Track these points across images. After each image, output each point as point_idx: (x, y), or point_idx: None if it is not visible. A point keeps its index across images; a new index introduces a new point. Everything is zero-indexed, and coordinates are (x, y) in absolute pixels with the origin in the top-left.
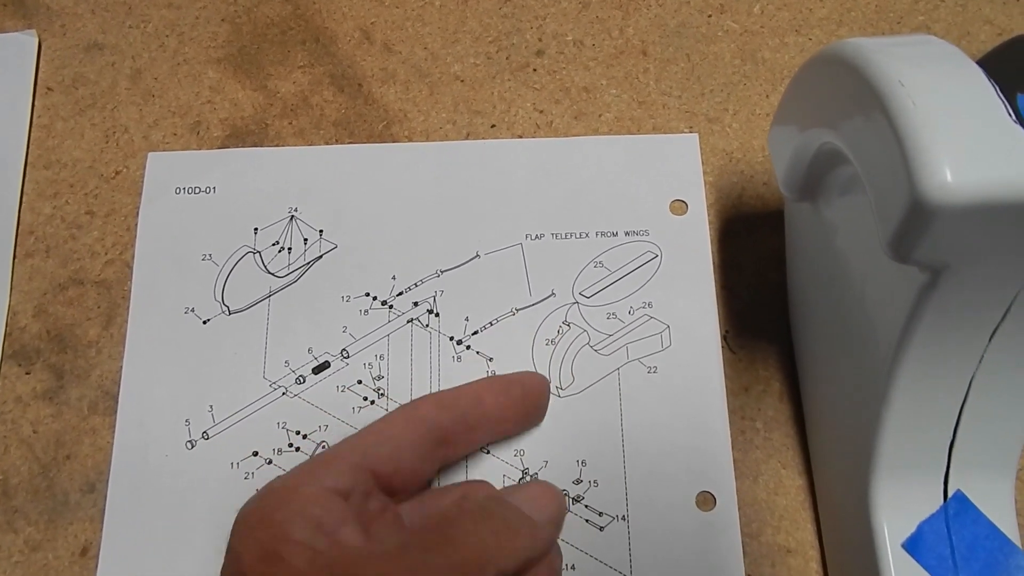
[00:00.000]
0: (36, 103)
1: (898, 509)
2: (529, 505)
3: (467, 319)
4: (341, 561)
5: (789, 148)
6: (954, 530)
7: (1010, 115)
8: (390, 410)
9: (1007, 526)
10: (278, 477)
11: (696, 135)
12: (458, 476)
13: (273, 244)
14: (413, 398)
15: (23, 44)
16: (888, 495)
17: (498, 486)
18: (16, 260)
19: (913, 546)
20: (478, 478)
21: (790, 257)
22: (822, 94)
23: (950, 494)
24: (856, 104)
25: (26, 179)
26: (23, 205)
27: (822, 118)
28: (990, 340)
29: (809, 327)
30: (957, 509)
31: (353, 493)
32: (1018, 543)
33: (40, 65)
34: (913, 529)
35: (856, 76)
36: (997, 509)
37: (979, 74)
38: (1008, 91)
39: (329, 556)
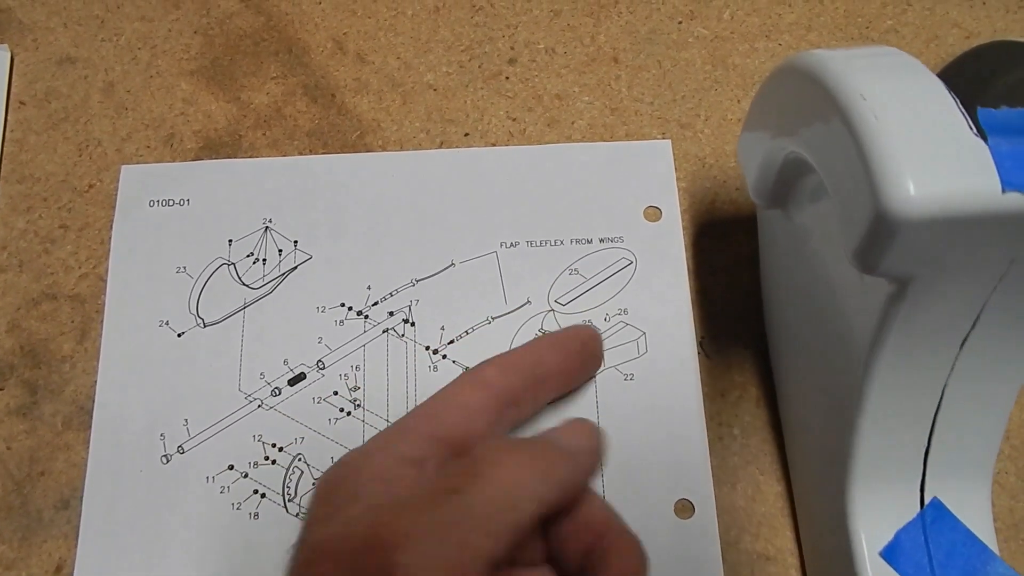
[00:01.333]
0: (8, 117)
1: (875, 517)
2: (565, 439)
3: (443, 328)
4: (384, 511)
5: (758, 156)
6: (931, 537)
7: (971, 128)
8: (366, 421)
9: (984, 532)
10: (355, 448)
11: (669, 141)
12: None
13: (248, 255)
14: (388, 408)
15: None
16: (865, 503)
17: None
18: None
19: (891, 554)
20: None
21: (763, 263)
22: (787, 105)
23: (927, 501)
24: (819, 116)
25: None
26: None
27: (788, 128)
28: (961, 348)
29: (784, 333)
30: (934, 516)
31: (427, 462)
32: (995, 549)
33: (12, 79)
34: (891, 537)
35: (818, 88)
36: (974, 515)
37: (940, 87)
38: (969, 102)
39: (379, 509)
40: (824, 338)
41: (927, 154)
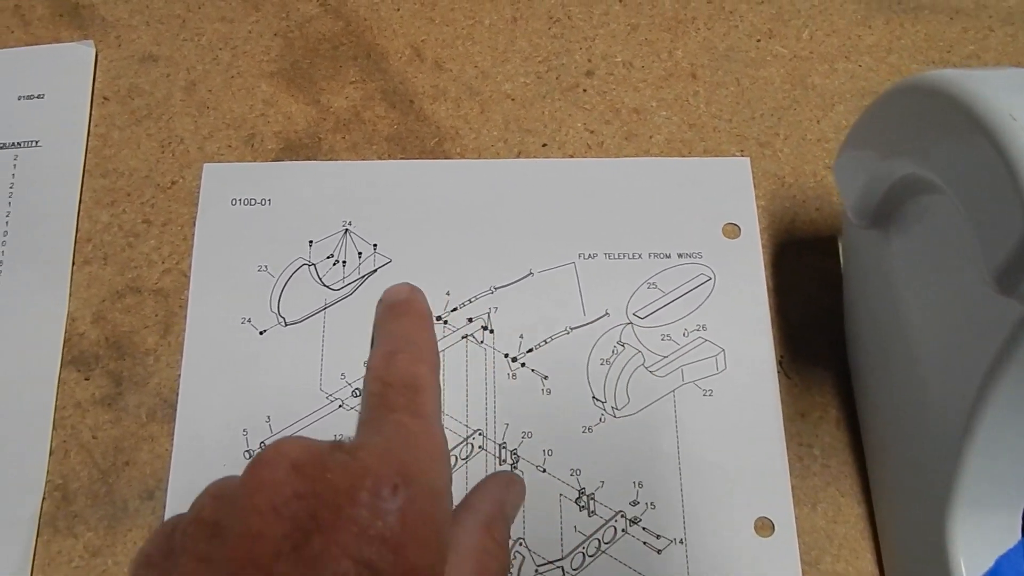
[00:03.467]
0: (92, 112)
1: (975, 543)
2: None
3: (521, 336)
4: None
5: (863, 175)
6: None
7: None
8: (445, 426)
9: None
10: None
11: (748, 159)
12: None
13: (328, 257)
14: (467, 414)
15: (81, 54)
16: (966, 529)
17: (555, 503)
18: (74, 267)
19: None
20: (536, 495)
21: (848, 284)
22: (909, 124)
23: None
24: (955, 137)
25: (83, 187)
26: (81, 213)
27: (908, 148)
28: None
29: (868, 356)
30: None
31: None
32: None
33: (96, 75)
34: (991, 563)
35: (956, 109)
36: None
37: None
38: None
39: None
40: (920, 363)
41: None
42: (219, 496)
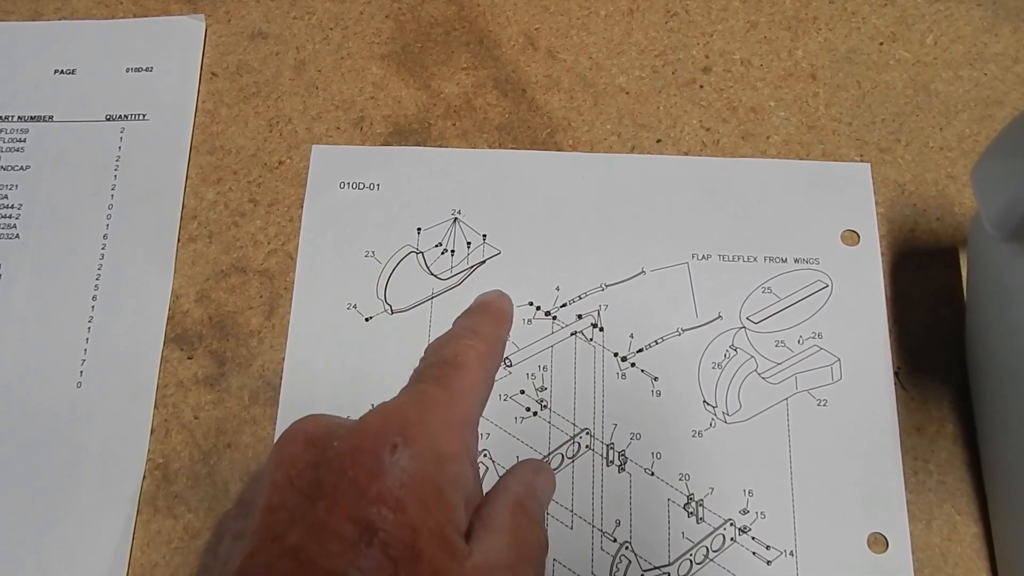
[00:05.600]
0: (200, 88)
1: None
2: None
3: (632, 336)
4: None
5: (1009, 185)
6: None
7: None
8: (552, 423)
9: None
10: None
11: (868, 164)
12: (649, 499)
13: (436, 245)
14: (575, 412)
15: (191, 28)
16: None
17: (663, 508)
18: (179, 244)
19: None
20: (643, 499)
21: (971, 298)
22: None
23: None
24: None
25: (190, 163)
26: (187, 189)
27: None
28: None
29: (991, 373)
30: None
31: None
32: None
33: (205, 50)
34: None
35: None
36: None
37: None
38: None
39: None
40: None
41: None
42: (254, 477)
